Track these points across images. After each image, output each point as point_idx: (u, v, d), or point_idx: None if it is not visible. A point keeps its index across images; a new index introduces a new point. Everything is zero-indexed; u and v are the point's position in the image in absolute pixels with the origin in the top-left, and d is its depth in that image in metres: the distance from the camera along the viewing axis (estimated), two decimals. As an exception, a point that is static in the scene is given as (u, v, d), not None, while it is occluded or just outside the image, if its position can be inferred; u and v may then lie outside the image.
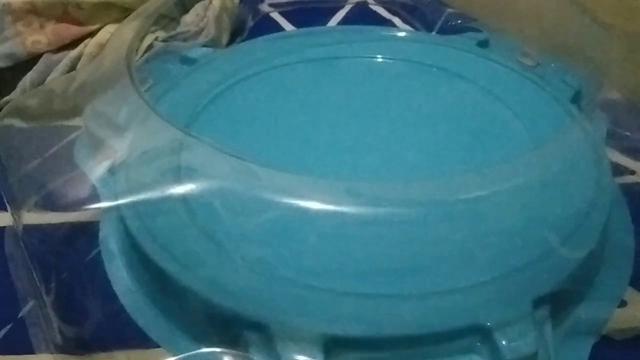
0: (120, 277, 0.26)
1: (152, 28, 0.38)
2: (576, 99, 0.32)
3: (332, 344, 0.21)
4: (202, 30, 0.40)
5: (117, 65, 0.27)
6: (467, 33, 0.40)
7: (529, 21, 0.35)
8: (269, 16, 0.46)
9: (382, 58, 0.37)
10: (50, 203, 0.25)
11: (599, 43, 0.29)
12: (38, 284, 0.25)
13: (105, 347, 0.24)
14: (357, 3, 0.48)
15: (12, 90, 0.36)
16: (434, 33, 0.42)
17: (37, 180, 0.26)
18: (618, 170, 0.30)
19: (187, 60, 0.37)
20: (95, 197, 0.24)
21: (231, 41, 0.43)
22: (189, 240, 0.24)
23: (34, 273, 0.25)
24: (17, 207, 0.26)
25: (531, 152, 0.26)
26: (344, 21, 0.46)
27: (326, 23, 0.45)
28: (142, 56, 0.36)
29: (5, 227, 0.29)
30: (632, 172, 0.31)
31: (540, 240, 0.24)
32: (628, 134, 0.27)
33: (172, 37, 0.39)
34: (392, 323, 0.22)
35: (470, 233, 0.23)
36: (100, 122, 0.26)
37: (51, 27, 0.36)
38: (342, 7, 0.47)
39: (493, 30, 0.39)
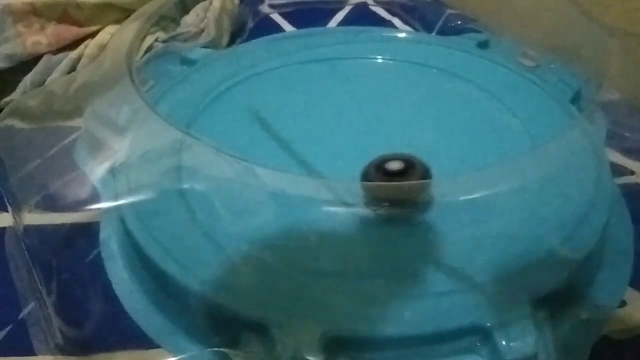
0: (121, 277, 0.26)
1: (153, 29, 0.38)
2: (576, 99, 0.32)
3: (332, 344, 0.21)
4: (202, 31, 0.40)
5: (118, 66, 0.27)
6: (466, 34, 0.40)
7: (529, 22, 0.35)
8: (269, 17, 0.47)
9: (382, 59, 0.37)
10: (50, 204, 0.25)
11: (599, 44, 0.29)
12: (39, 284, 0.25)
13: (106, 347, 0.24)
14: (357, 4, 0.48)
15: (13, 91, 0.36)
16: (433, 34, 0.42)
17: (37, 181, 0.26)
18: (618, 170, 0.30)
19: (187, 61, 0.37)
20: (95, 198, 0.24)
21: (231, 42, 0.43)
22: (189, 240, 0.24)
23: (34, 274, 0.25)
24: (17, 207, 0.26)
25: (531, 153, 0.26)
26: (344, 22, 0.46)
27: (326, 24, 0.45)
28: (142, 57, 0.36)
29: (5, 227, 0.29)
30: (632, 173, 0.32)
31: (540, 241, 0.24)
32: (628, 134, 0.27)
33: (172, 38, 0.39)
34: (393, 323, 0.22)
35: (470, 233, 0.23)
36: (100, 123, 0.26)
37: (51, 28, 0.36)
38: (342, 8, 0.47)
39: (493, 31, 0.39)
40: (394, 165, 0.25)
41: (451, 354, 0.22)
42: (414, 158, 0.25)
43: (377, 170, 0.25)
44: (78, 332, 0.24)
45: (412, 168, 0.25)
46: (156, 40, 0.38)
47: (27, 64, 0.36)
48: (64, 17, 0.36)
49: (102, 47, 0.36)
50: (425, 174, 0.25)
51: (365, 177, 0.25)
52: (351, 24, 0.45)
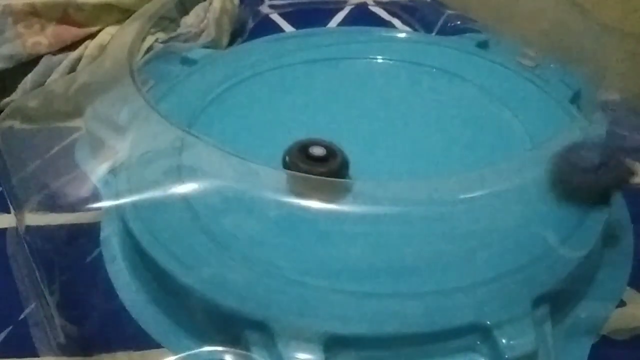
0: (122, 277, 0.26)
1: (152, 30, 0.38)
2: (575, 99, 0.33)
3: (333, 343, 0.21)
4: (202, 31, 0.40)
5: (118, 66, 0.27)
6: (466, 34, 0.40)
7: (529, 22, 0.35)
8: (269, 18, 0.47)
9: (381, 59, 0.37)
10: (52, 204, 0.25)
11: (598, 44, 0.29)
12: (41, 284, 0.25)
13: (107, 347, 0.24)
14: (357, 4, 0.48)
15: (13, 92, 0.36)
16: (433, 34, 0.42)
17: (38, 181, 0.26)
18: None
19: (187, 61, 0.37)
20: (96, 197, 0.24)
21: (231, 42, 0.43)
22: (190, 239, 0.24)
23: (36, 273, 0.25)
24: (19, 208, 0.26)
25: (531, 152, 0.26)
26: (344, 22, 0.46)
27: (326, 24, 0.45)
28: (142, 58, 0.36)
29: (6, 228, 0.29)
30: (631, 172, 0.31)
31: (540, 240, 0.24)
32: (627, 134, 0.28)
33: (172, 39, 0.39)
34: (393, 322, 0.22)
35: (470, 233, 0.23)
36: (101, 123, 0.26)
37: (52, 29, 0.36)
38: (342, 8, 0.47)
39: (492, 32, 0.39)
40: (317, 151, 0.26)
41: (451, 352, 0.22)
42: (334, 145, 0.26)
43: (300, 154, 0.26)
44: (80, 331, 0.24)
45: (333, 155, 0.26)
46: (156, 41, 0.38)
47: (27, 64, 0.36)
48: (64, 17, 0.36)
49: (102, 48, 0.36)
50: (344, 162, 0.26)
51: (289, 158, 0.26)
52: (351, 24, 0.45)
